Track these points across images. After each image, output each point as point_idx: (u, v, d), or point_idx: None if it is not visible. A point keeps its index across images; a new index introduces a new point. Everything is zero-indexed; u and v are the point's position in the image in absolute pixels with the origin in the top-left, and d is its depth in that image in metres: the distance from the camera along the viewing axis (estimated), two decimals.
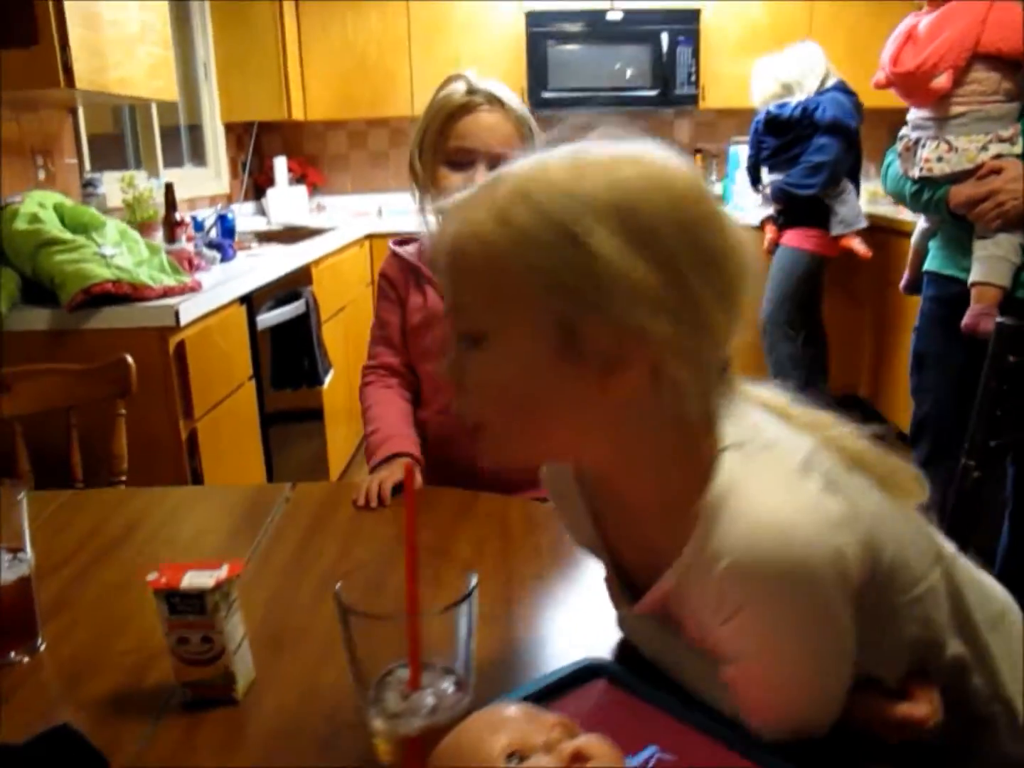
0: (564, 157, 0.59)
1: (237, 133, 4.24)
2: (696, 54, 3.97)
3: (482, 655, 0.71)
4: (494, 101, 1.34)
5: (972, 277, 1.64)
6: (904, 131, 1.72)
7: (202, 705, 0.76)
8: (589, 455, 0.65)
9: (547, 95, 4.04)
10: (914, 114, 1.70)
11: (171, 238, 2.71)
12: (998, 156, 1.57)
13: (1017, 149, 1.57)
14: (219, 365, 2.23)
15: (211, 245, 2.65)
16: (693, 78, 4.01)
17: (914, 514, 0.66)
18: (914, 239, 1.94)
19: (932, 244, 1.78)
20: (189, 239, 2.80)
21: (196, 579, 0.73)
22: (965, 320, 1.67)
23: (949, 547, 0.70)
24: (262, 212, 4.24)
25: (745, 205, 3.87)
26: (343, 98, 4.15)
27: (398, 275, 1.44)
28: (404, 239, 1.48)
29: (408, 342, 1.44)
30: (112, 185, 2.89)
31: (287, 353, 2.72)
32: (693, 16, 3.98)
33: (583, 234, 0.54)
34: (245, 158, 4.30)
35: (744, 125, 4.09)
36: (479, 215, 0.57)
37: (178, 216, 2.78)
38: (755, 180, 3.65)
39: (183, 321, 1.98)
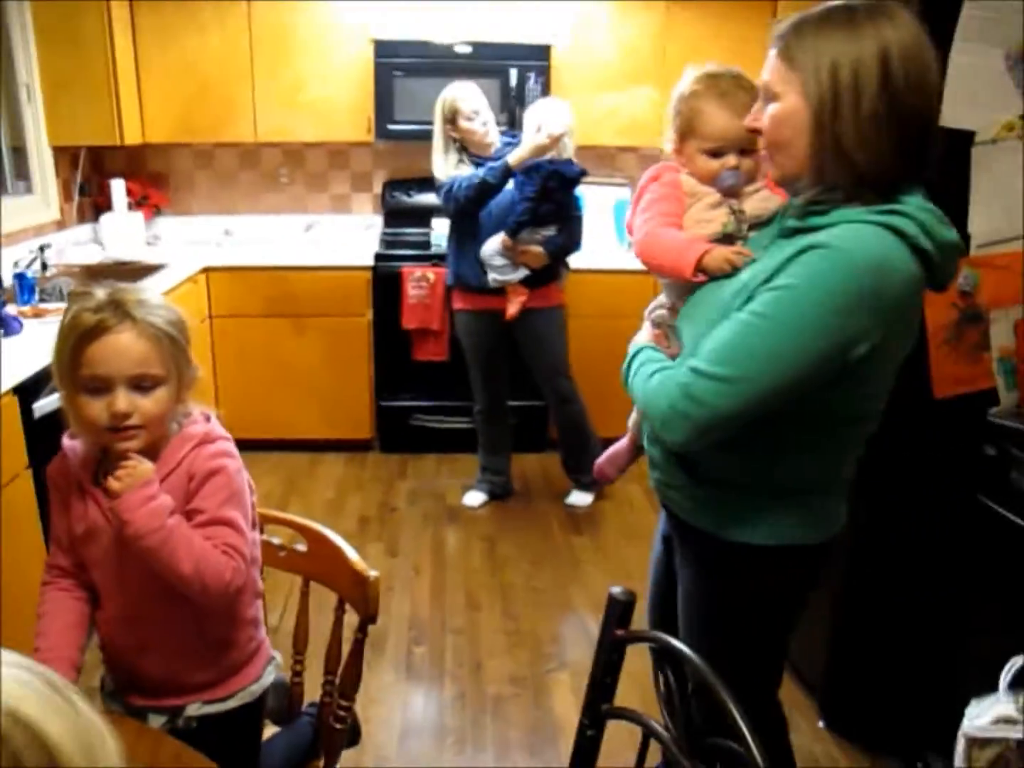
0: None
1: (72, 152, 4.03)
2: (546, 91, 3.91)
3: None
4: (126, 318, 1.24)
5: None
6: None
7: None
8: None
9: (392, 127, 3.95)
10: None
11: None
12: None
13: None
14: None
15: None
16: None
17: None
18: None
19: None
20: None
21: None
22: None
23: None
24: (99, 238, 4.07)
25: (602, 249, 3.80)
26: (183, 122, 3.98)
27: (62, 479, 1.36)
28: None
29: (76, 548, 1.36)
30: None
31: None
32: (543, 52, 3.92)
33: None
34: (78, 181, 4.09)
35: (595, 164, 4.06)
36: None
37: None
38: (515, 232, 3.18)
39: None
